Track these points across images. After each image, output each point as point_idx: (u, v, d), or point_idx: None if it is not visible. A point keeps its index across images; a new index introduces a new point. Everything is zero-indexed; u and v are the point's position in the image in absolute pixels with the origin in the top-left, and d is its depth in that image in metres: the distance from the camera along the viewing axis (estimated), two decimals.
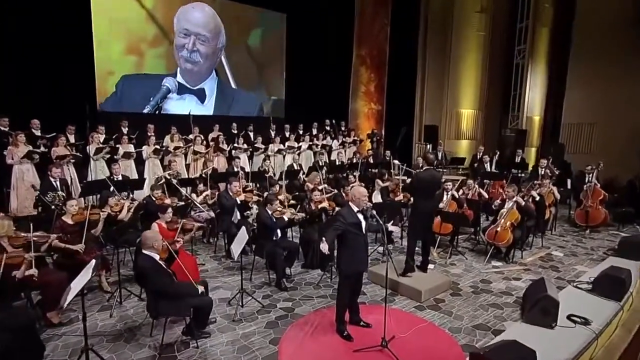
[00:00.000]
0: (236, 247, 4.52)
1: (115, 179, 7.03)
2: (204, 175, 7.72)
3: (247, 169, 9.06)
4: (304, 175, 9.56)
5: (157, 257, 3.76)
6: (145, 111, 11.09)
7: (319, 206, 6.24)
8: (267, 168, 9.33)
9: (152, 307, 3.71)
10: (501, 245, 6.36)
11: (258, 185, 9.31)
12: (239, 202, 6.39)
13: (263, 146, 10.73)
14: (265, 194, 6.53)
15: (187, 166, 9.65)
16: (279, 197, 6.67)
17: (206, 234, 7.20)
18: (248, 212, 7.12)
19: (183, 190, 7.20)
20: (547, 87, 13.84)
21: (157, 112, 11.28)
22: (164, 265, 3.80)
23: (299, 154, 11.37)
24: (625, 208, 8.89)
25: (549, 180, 7.87)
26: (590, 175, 8.52)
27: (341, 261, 4.12)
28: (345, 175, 10.22)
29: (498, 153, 11.04)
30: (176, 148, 9.15)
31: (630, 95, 11.93)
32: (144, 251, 3.71)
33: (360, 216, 4.04)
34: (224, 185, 7.21)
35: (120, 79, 10.61)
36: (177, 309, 3.68)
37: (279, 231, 5.65)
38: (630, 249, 6.64)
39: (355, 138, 12.76)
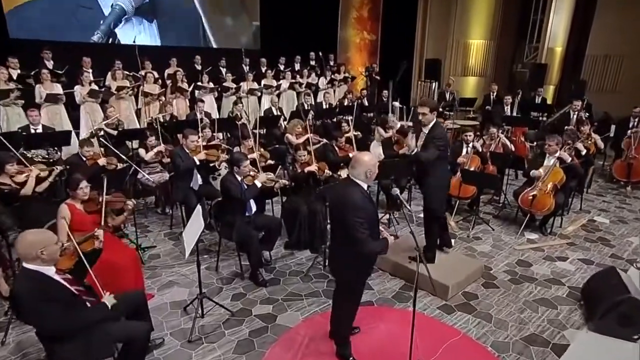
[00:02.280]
0: (188, 240, 3.21)
1: (32, 132, 5.49)
2: (155, 124, 6.20)
3: (214, 115, 7.51)
4: (285, 122, 8.09)
5: (50, 271, 2.43)
6: (94, 39, 9.13)
7: (306, 169, 4.90)
8: (239, 113, 7.81)
9: (47, 352, 2.44)
10: (540, 214, 5.23)
11: (229, 135, 7.86)
12: (197, 162, 4.98)
13: (234, 85, 9.08)
14: (238, 153, 5.12)
15: (138, 112, 8.02)
16: (253, 155, 5.29)
17: (160, 202, 5.84)
18: (216, 173, 5.74)
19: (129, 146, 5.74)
20: (573, 11, 12.16)
21: (109, 41, 9.35)
22: (64, 283, 2.47)
23: (278, 95, 9.79)
24: None
25: (589, 126, 6.63)
26: (637, 120, 7.33)
27: (351, 266, 2.88)
28: (335, 121, 8.81)
29: (521, 92, 9.64)
30: (120, 89, 7.47)
31: None
32: (25, 265, 2.36)
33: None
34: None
35: None
36: (87, 351, 2.41)
37: (252, 204, 4.35)
38: None
39: (347, 75, 11.12)
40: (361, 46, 13.26)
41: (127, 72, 8.20)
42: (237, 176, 4.21)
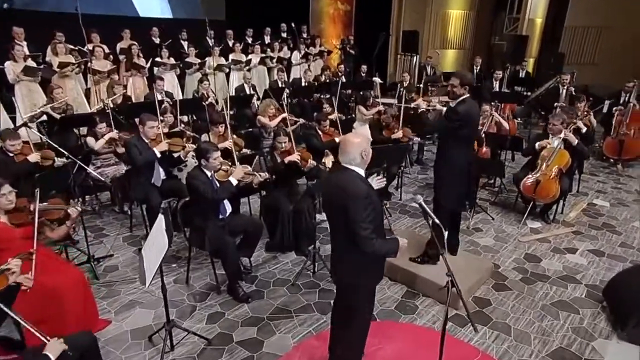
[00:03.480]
0: (149, 264, 2.54)
1: None
2: (106, 107, 5.34)
3: (177, 96, 6.66)
4: (258, 102, 7.32)
5: None
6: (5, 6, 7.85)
7: (287, 159, 4.25)
8: (205, 92, 6.97)
9: None
10: (544, 201, 4.83)
11: (194, 118, 7.04)
12: (158, 154, 4.23)
13: (198, 61, 8.16)
14: (205, 142, 4.40)
15: (87, 93, 7.04)
16: (225, 143, 4.59)
17: (116, 199, 5.05)
18: (182, 166, 4.98)
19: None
20: None
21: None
22: None
23: (248, 71, 8.94)
24: None
25: (585, 102, 6.27)
26: (629, 95, 7.04)
27: (355, 273, 2.35)
28: (312, 100, 8.11)
29: (509, 67, 9.20)
30: (63, 65, 6.47)
31: None
32: None
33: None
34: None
35: None
36: None
37: (227, 204, 3.69)
38: None
39: (322, 48, 10.34)
40: (335, 17, 12.43)
41: (72, 46, 7.17)
42: (205, 171, 3.52)
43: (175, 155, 4.49)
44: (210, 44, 8.52)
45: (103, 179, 4.65)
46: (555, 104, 7.43)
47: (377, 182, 2.59)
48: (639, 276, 3.29)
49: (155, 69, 7.70)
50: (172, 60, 7.90)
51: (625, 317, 3.13)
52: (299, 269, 3.86)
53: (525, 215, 4.84)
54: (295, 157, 4.27)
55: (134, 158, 4.17)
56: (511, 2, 12.14)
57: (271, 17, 10.21)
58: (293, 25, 10.02)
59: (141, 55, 7.57)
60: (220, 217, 3.61)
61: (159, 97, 6.16)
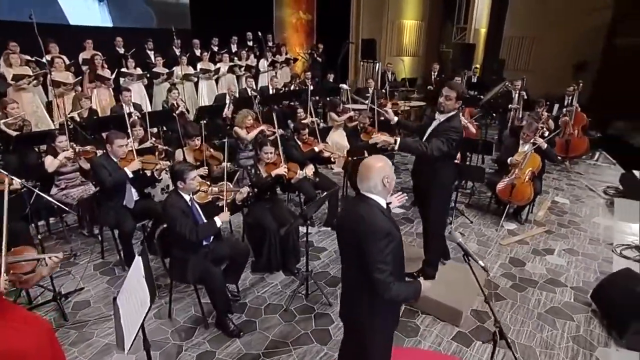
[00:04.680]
0: (127, 323, 1.91)
1: None
2: (68, 122, 4.50)
3: (145, 107, 5.84)
4: (229, 110, 6.61)
5: None
6: None
7: (274, 173, 3.68)
8: (175, 102, 6.21)
9: None
10: (520, 204, 4.56)
11: (165, 129, 6.27)
12: (129, 174, 3.52)
13: (165, 70, 7.32)
14: (179, 162, 3.74)
15: (48, 106, 6.07)
16: (212, 160, 3.95)
17: (84, 222, 4.26)
18: (158, 185, 4.26)
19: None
20: None
21: None
22: None
23: (217, 80, 8.20)
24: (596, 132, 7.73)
25: (544, 107, 6.13)
26: (571, 98, 6.99)
27: (368, 315, 1.86)
28: (282, 106, 7.52)
29: (466, 73, 9.01)
30: (19, 77, 5.49)
31: (571, 7, 10.48)
32: None
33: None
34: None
35: None
36: None
37: None
38: (638, 190, 5.39)
39: (288, 56, 9.71)
40: (298, 26, 11.81)
41: (29, 57, 6.15)
42: (184, 195, 2.89)
43: (149, 173, 3.79)
44: (177, 53, 7.70)
45: (66, 207, 3.81)
46: (510, 105, 7.33)
47: (397, 199, 2.10)
48: (628, 280, 3.02)
49: (122, 79, 6.80)
50: (138, 71, 7.02)
51: (622, 324, 2.84)
52: (290, 291, 3.33)
53: (503, 218, 4.55)
54: (282, 170, 3.71)
55: (103, 180, 3.44)
56: (458, 13, 12.05)
57: (236, 27, 9.45)
58: (260, 33, 9.33)
59: (105, 65, 6.64)
60: (204, 244, 2.99)
61: (127, 109, 5.36)
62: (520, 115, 7.05)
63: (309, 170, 4.23)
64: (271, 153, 3.74)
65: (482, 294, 1.93)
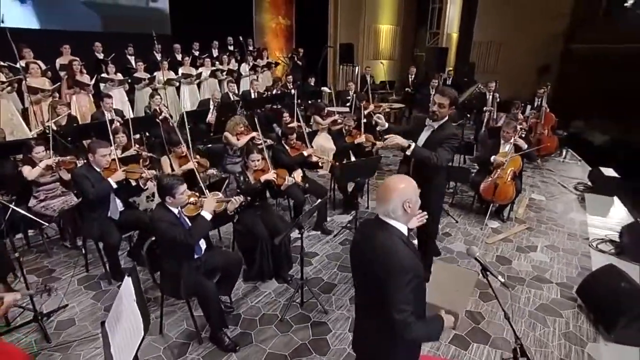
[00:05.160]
0: (119, 352, 1.69)
1: None
2: (47, 130, 4.16)
3: (127, 113, 5.50)
4: (212, 116, 6.34)
5: None
6: None
7: (262, 178, 3.49)
8: (157, 108, 5.89)
9: None
10: (503, 203, 4.53)
11: (148, 134, 5.95)
12: (114, 185, 3.25)
13: (147, 75, 6.97)
14: (167, 176, 3.49)
15: (24, 114, 5.64)
16: (189, 165, 3.71)
17: (66, 234, 3.93)
18: (143, 193, 3.97)
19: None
20: (462, 0, 11.89)
21: None
22: None
23: (199, 85, 7.89)
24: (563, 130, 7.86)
25: (520, 109, 6.17)
26: (541, 99, 7.09)
27: (382, 353, 1.67)
28: (265, 110, 7.28)
29: (443, 75, 9.00)
30: None
31: (534, 14, 10.70)
32: None
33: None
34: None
35: None
36: None
37: (202, 242, 2.85)
38: (606, 186, 5.51)
39: (270, 60, 9.47)
40: (277, 31, 11.57)
41: (1, 63, 5.69)
42: (172, 209, 2.66)
43: (134, 183, 3.53)
44: (158, 58, 7.35)
45: (46, 219, 3.51)
46: (485, 108, 7.37)
47: (417, 219, 1.90)
48: (614, 277, 3.00)
49: (102, 85, 6.42)
50: (119, 76, 6.64)
51: (610, 319, 2.82)
52: (284, 300, 3.16)
53: (487, 217, 4.52)
54: (271, 175, 3.52)
55: (85, 191, 3.17)
56: (431, 18, 12.10)
57: (216, 32, 9.15)
58: (241, 38, 9.06)
59: (84, 71, 6.24)
60: (196, 256, 2.78)
61: (109, 116, 5.05)
62: (495, 117, 7.11)
63: (298, 175, 4.05)
64: (258, 160, 3.54)
65: (500, 308, 1.81)
